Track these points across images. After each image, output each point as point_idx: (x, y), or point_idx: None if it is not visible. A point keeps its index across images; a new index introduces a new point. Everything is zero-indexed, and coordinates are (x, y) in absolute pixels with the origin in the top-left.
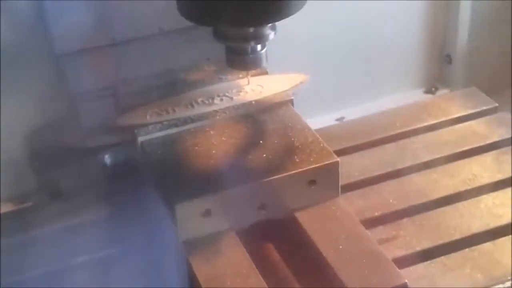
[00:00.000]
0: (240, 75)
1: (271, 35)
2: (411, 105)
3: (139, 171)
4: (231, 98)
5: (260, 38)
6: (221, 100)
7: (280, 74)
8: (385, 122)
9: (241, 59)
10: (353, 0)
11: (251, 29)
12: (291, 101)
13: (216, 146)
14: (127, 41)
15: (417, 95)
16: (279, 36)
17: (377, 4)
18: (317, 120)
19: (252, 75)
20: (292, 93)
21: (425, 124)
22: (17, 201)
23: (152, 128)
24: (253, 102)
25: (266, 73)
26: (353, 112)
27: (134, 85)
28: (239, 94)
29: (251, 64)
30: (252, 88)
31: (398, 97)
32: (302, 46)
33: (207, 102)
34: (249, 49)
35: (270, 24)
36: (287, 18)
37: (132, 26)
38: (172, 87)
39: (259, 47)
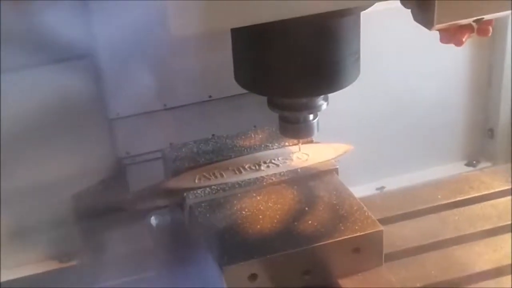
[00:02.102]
0: (287, 143)
1: (324, 105)
2: (453, 177)
3: (184, 232)
4: (278, 165)
5: (313, 108)
6: (268, 166)
7: (325, 143)
8: (427, 194)
9: (293, 127)
10: (397, 74)
11: (305, 100)
12: (336, 170)
13: (263, 211)
14: (177, 107)
15: (458, 168)
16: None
17: (419, 78)
18: (358, 189)
19: (296, 144)
20: (336, 162)
21: (467, 197)
22: (62, 259)
23: (200, 192)
24: (299, 170)
25: (311, 141)
26: (393, 182)
27: (183, 150)
28: (285, 162)
29: (303, 132)
30: (298, 156)
31: (439, 168)
32: (345, 116)
33: (254, 168)
34: (302, 119)
35: (323, 95)
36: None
37: (182, 93)
38: (219, 153)
39: (311, 116)
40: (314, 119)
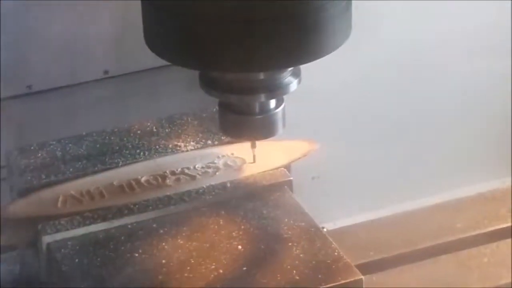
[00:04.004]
0: (209, 141)
1: (293, 84)
2: (480, 196)
3: None
4: (193, 178)
5: (275, 90)
6: (178, 180)
7: (272, 140)
8: (438, 223)
9: (244, 122)
10: (409, 37)
11: (262, 75)
12: (289, 184)
13: (169, 253)
14: (50, 90)
15: (486, 186)
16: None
17: (447, 45)
18: (345, 222)
19: (228, 142)
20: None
21: (504, 225)
22: None
23: (65, 222)
24: (228, 185)
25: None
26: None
27: (38, 154)
28: (206, 172)
29: (261, 129)
30: (228, 162)
31: (464, 189)
32: (327, 106)
33: (155, 182)
34: (258, 107)
35: (291, 68)
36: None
37: (58, 69)
38: (98, 158)
39: (272, 103)
40: (278, 107)
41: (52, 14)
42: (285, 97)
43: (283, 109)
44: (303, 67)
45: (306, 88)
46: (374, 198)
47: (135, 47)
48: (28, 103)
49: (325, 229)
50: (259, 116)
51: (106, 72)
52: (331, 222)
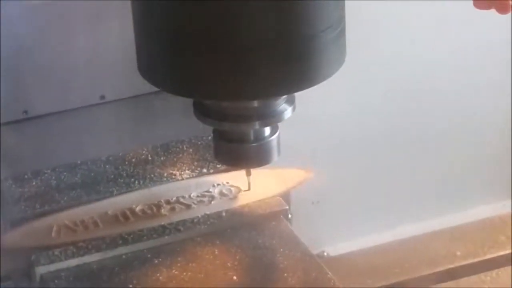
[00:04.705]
0: (205, 169)
1: (287, 112)
2: (479, 223)
3: None
4: (188, 206)
5: (270, 118)
6: (172, 209)
7: (267, 168)
8: (437, 249)
9: (238, 150)
10: (405, 60)
11: (257, 103)
12: (285, 213)
13: (164, 284)
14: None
15: (487, 210)
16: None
17: (445, 68)
18: (345, 246)
19: (223, 170)
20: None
21: (503, 252)
22: None
23: (59, 253)
24: (224, 214)
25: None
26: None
27: (33, 183)
28: (201, 200)
29: (255, 157)
30: (224, 190)
31: (464, 214)
32: (325, 130)
33: (149, 212)
34: (252, 135)
35: (285, 96)
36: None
37: (53, 94)
38: (93, 187)
39: (267, 131)
40: (272, 135)
41: (48, 39)
42: (284, 122)
43: (278, 136)
44: (300, 92)
45: (304, 113)
46: (373, 223)
47: (132, 71)
48: (24, 128)
49: (325, 253)
50: (253, 144)
51: (102, 97)
52: (331, 246)
